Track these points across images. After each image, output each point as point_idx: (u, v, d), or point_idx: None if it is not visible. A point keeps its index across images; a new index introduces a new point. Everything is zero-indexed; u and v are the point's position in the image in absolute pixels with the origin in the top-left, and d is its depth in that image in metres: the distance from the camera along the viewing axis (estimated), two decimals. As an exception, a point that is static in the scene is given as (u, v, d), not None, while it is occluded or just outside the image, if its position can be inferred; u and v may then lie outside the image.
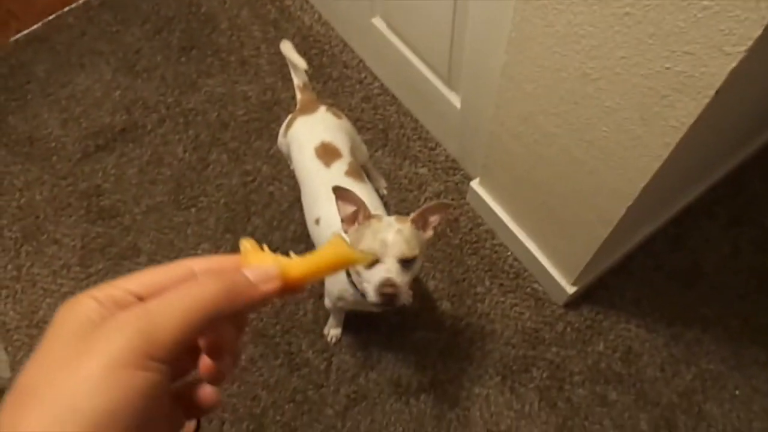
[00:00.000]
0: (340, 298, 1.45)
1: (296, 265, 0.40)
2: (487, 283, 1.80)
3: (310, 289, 1.81)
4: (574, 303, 1.76)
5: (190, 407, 0.37)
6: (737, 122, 1.38)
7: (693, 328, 1.72)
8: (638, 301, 1.76)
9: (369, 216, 1.20)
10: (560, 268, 1.66)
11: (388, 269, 1.13)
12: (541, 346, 1.71)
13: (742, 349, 1.70)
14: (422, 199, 1.93)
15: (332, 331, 1.74)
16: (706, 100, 0.89)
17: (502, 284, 1.79)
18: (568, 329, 1.73)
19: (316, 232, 1.45)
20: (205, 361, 0.37)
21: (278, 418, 1.64)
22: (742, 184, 1.91)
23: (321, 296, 1.79)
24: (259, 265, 0.38)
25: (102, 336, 0.30)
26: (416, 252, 1.16)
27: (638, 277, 1.79)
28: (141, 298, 0.34)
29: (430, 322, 1.75)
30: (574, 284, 1.66)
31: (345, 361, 1.72)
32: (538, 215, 1.59)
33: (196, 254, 1.87)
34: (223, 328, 0.37)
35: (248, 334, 1.75)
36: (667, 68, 0.91)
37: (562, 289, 1.68)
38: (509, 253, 1.83)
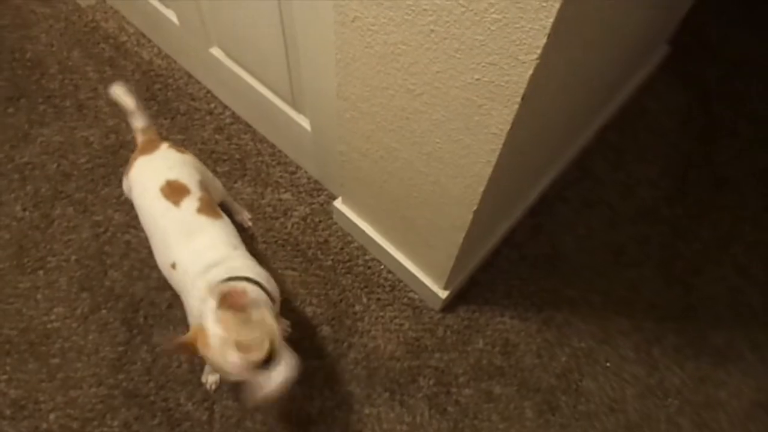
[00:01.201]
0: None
1: None
2: (365, 299, 1.78)
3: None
4: (450, 306, 1.78)
5: None
6: (569, 113, 1.45)
7: (561, 310, 1.80)
8: (509, 293, 1.81)
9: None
10: (430, 274, 1.67)
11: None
12: (424, 354, 1.72)
13: (607, 323, 1.79)
14: (289, 225, 1.87)
15: (210, 378, 1.64)
16: (516, 106, 0.91)
17: (379, 298, 1.78)
18: (448, 332, 1.75)
19: (175, 278, 1.35)
20: None
21: (163, 481, 1.52)
22: (586, 168, 2.03)
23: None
24: None
25: None
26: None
27: (505, 270, 1.84)
28: None
29: (311, 350, 1.70)
30: (445, 288, 1.68)
31: (228, 406, 1.63)
32: (400, 226, 1.59)
33: (49, 320, 1.70)
34: None
35: (118, 397, 1.61)
36: (477, 79, 0.93)
37: (436, 295, 1.69)
38: (382, 267, 1.82)
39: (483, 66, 0.90)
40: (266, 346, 1.08)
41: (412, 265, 1.70)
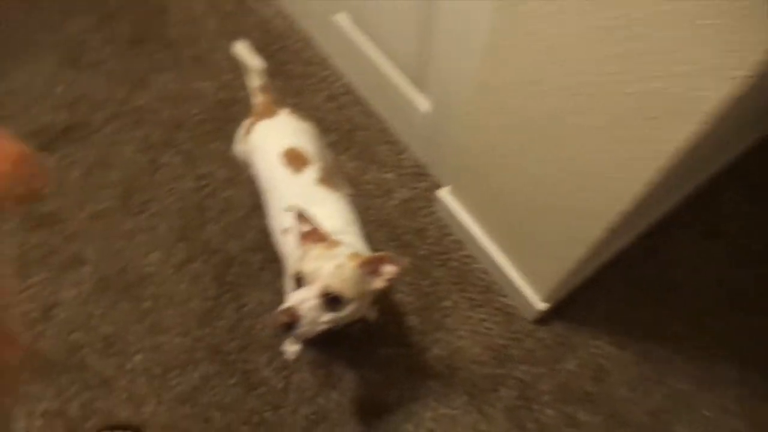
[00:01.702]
0: None
1: None
2: (456, 296, 1.71)
3: (269, 302, 1.70)
4: (544, 319, 1.68)
5: None
6: (722, 136, 1.31)
7: (664, 345, 1.67)
8: (610, 316, 1.70)
9: (323, 238, 1.13)
10: (532, 284, 1.58)
11: (301, 297, 1.05)
12: (510, 364, 1.64)
13: (712, 366, 1.65)
14: (388, 207, 1.82)
15: (291, 348, 1.62)
16: (703, 126, 0.81)
17: (471, 298, 1.71)
18: (539, 346, 1.66)
19: (283, 243, 1.33)
20: None
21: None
22: (716, 195, 1.86)
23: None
24: None
25: None
26: (348, 293, 1.07)
27: (610, 291, 1.72)
28: None
29: (396, 338, 1.66)
30: (545, 301, 1.58)
31: (305, 379, 1.61)
32: (511, 229, 1.51)
33: (145, 263, 1.73)
34: None
35: (201, 351, 1.63)
36: (659, 88, 0.83)
37: (533, 305, 1.60)
38: (478, 266, 1.75)
39: (671, 75, 0.80)
40: (350, 293, 1.07)
41: (513, 271, 1.62)
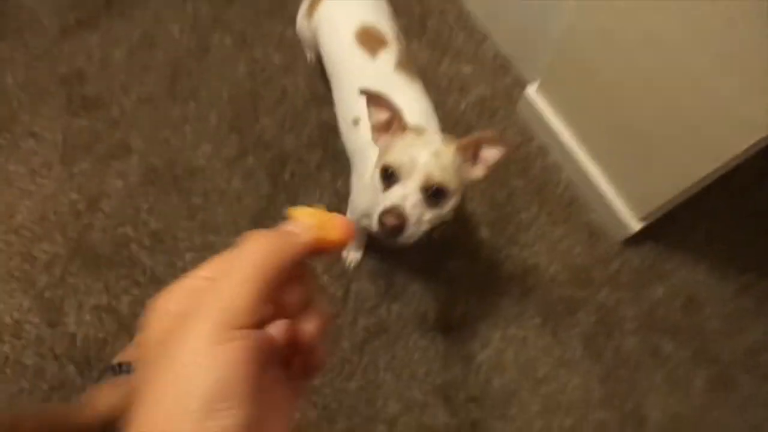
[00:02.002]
0: (365, 215, 1.20)
1: (338, 218, 0.38)
2: (534, 209, 1.54)
3: (327, 204, 1.56)
4: (634, 239, 1.50)
5: (303, 371, 0.36)
6: None
7: (769, 276, 1.48)
8: (710, 241, 1.51)
9: (405, 127, 0.97)
10: (629, 199, 1.39)
11: (404, 194, 0.91)
12: (592, 287, 1.48)
13: (822, 303, 1.46)
14: (463, 105, 1.61)
15: (352, 254, 1.50)
16: None
17: (551, 212, 1.53)
18: (625, 269, 1.49)
19: (353, 136, 1.18)
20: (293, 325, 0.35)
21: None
22: None
23: (341, 210, 1.54)
24: (297, 218, 0.37)
25: (187, 325, 0.30)
26: (451, 183, 0.93)
27: (713, 214, 1.52)
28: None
29: (465, 251, 1.51)
30: (642, 219, 1.39)
31: (365, 289, 1.50)
32: (613, 136, 1.29)
33: (194, 155, 1.60)
34: (291, 289, 0.36)
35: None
36: None
37: (626, 224, 1.42)
38: (563, 176, 1.55)
39: None
40: (452, 184, 0.93)
41: (606, 183, 1.42)
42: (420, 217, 0.93)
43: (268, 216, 1.55)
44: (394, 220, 0.90)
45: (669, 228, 1.50)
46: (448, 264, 1.51)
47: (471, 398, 1.41)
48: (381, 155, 0.97)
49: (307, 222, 0.37)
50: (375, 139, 1.02)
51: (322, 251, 0.37)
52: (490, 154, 0.97)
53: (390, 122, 0.99)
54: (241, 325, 0.30)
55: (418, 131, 0.97)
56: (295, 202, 1.54)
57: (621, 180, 1.38)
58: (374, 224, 0.94)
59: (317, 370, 0.37)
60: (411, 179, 0.91)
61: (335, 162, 1.58)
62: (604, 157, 1.39)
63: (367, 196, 1.13)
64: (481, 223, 1.53)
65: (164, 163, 1.60)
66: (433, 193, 0.93)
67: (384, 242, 0.97)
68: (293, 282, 0.35)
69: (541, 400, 1.41)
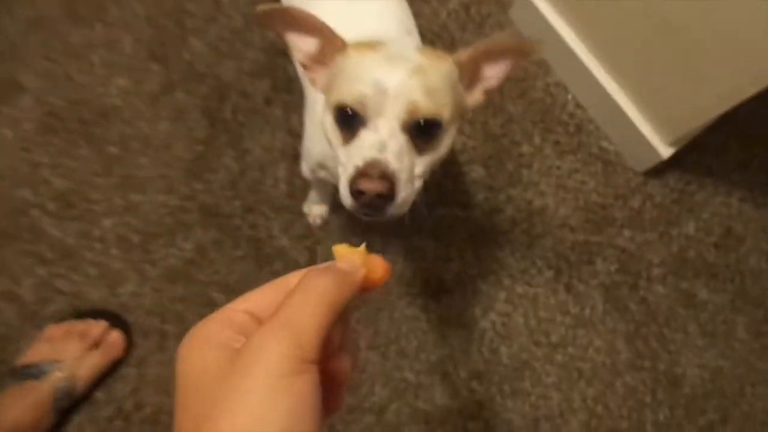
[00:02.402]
0: (321, 166, 0.90)
1: (379, 258, 0.38)
2: (537, 139, 1.27)
3: (281, 148, 1.25)
4: (657, 170, 1.25)
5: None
6: None
7: (816, 203, 1.26)
8: (745, 165, 1.28)
9: (343, 46, 0.67)
10: (655, 121, 1.13)
11: (379, 141, 0.62)
12: (610, 229, 1.24)
13: None
14: (443, 14, 1.31)
15: (315, 209, 1.21)
16: None
17: (558, 141, 1.27)
18: (648, 205, 1.25)
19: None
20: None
21: (244, 330, 1.16)
22: None
23: (295, 157, 1.24)
24: (344, 256, 0.38)
25: (253, 356, 0.31)
26: (442, 110, 0.64)
27: (747, 134, 1.28)
28: (256, 317, 0.35)
29: (455, 195, 1.24)
30: (672, 145, 1.14)
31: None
32: (639, 42, 1.02)
33: (106, 93, 1.25)
34: (335, 328, 0.35)
35: (193, 213, 1.21)
36: None
37: (652, 151, 1.16)
38: (569, 97, 1.28)
39: None
40: (444, 112, 0.65)
41: (628, 102, 1.16)
42: (411, 170, 0.64)
43: (207, 167, 1.23)
44: (378, 184, 0.60)
45: (696, 153, 1.26)
46: (435, 213, 1.23)
47: (474, 374, 1.16)
48: (328, 96, 0.68)
49: (355, 261, 0.37)
50: (312, 82, 0.71)
51: (366, 291, 0.37)
52: (494, 71, 0.68)
53: (323, 49, 0.68)
54: (309, 358, 0.31)
55: (374, 45, 0.66)
56: (239, 145, 1.23)
57: (646, 97, 1.12)
58: (345, 197, 0.64)
59: (335, 412, 0.37)
60: (384, 115, 0.62)
61: (288, 93, 1.27)
62: (625, 70, 1.12)
63: (323, 141, 0.83)
64: (473, 160, 1.25)
65: (67, 104, 1.25)
66: (422, 130, 0.63)
67: (363, 220, 0.67)
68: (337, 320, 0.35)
69: (557, 370, 1.18)
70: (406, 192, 0.63)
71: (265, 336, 0.32)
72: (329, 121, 0.68)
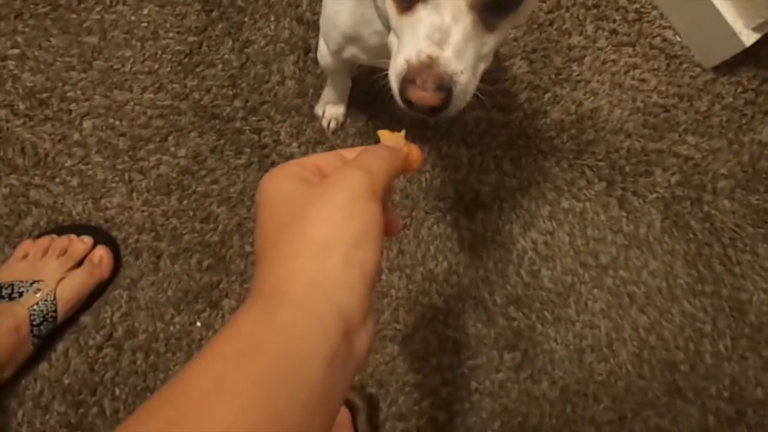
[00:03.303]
0: (351, 40, 0.74)
1: (415, 146, 0.44)
2: (590, 29, 1.10)
3: (288, 38, 1.08)
4: (728, 65, 1.08)
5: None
6: None
7: None
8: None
9: None
10: (735, 3, 0.95)
11: (439, 26, 0.50)
12: (672, 135, 1.09)
13: None
14: None
15: (330, 110, 1.05)
16: None
17: (614, 31, 1.10)
18: (717, 107, 1.10)
19: None
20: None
21: (248, 248, 1.03)
22: None
23: (305, 50, 1.07)
24: (388, 139, 0.44)
25: (334, 182, 0.38)
26: None
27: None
28: (323, 171, 0.41)
29: (492, 96, 1.08)
30: (757, 29, 0.96)
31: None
32: None
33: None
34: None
35: (187, 114, 1.06)
36: None
37: (730, 37, 1.00)
38: (629, -23, 1.10)
39: None
40: None
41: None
42: (475, 64, 0.52)
43: (202, 61, 1.08)
44: (431, 96, 0.50)
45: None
46: (469, 116, 1.08)
47: (512, 300, 1.04)
48: None
49: (399, 143, 0.43)
50: None
51: (404, 171, 0.44)
52: None
53: None
54: (378, 193, 0.38)
55: None
56: (238, 36, 1.07)
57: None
58: (395, 92, 0.53)
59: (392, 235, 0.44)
60: None
61: (295, -27, 1.09)
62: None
63: (350, 8, 0.67)
64: (513, 53, 1.09)
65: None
66: (496, 4, 0.50)
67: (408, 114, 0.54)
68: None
69: (606, 295, 1.05)
70: (465, 93, 0.51)
71: (345, 169, 0.38)
72: None
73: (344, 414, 0.93)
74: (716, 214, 1.07)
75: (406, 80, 0.50)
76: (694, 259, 1.06)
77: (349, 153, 0.43)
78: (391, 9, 0.54)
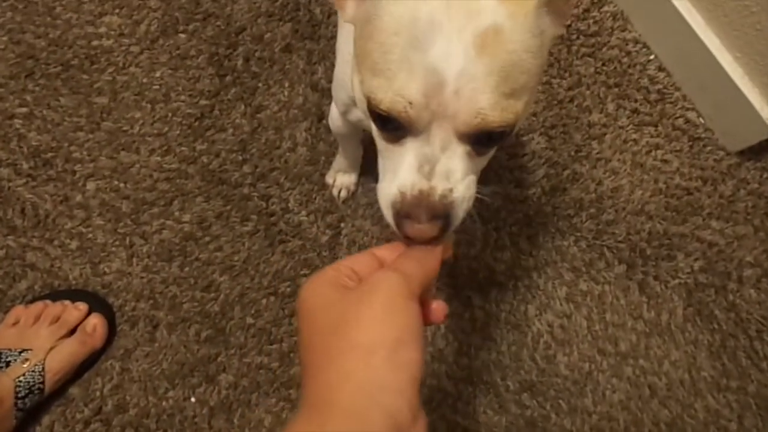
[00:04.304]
0: (355, 105, 0.73)
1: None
2: (611, 107, 1.10)
3: (301, 105, 1.08)
4: (752, 149, 1.08)
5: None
6: None
7: None
8: None
9: None
10: (763, 87, 0.95)
11: (429, 156, 0.49)
12: (696, 218, 1.07)
13: None
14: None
15: (341, 179, 1.05)
16: None
17: (636, 110, 1.10)
18: (742, 192, 1.08)
19: None
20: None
21: (250, 320, 1.00)
22: None
23: (319, 117, 1.07)
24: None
25: (372, 287, 0.40)
26: (519, 113, 0.48)
27: None
28: (358, 275, 0.44)
29: (510, 171, 1.07)
30: (783, 114, 0.96)
31: (362, 228, 1.05)
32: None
33: (94, 32, 1.08)
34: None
35: (194, 179, 1.04)
36: None
37: (755, 123, 0.99)
38: (652, 57, 1.10)
39: None
40: (519, 106, 0.48)
41: (729, 59, 0.97)
42: (469, 184, 0.52)
43: (213, 125, 1.07)
44: (427, 228, 0.48)
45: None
46: (483, 191, 1.06)
47: (525, 386, 1.00)
48: (359, 59, 0.51)
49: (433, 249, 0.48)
50: (340, 7, 0.54)
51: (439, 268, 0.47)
52: None
53: None
54: (416, 294, 0.41)
55: None
56: (251, 101, 1.07)
57: (758, 52, 0.93)
58: (388, 216, 0.52)
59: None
60: (438, 121, 0.47)
61: (312, 41, 1.10)
62: (730, 18, 0.94)
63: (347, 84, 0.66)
64: (533, 129, 1.08)
65: (47, 44, 1.09)
66: (487, 137, 0.49)
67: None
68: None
69: (626, 385, 1.02)
70: (462, 208, 0.51)
71: (381, 273, 0.41)
72: (361, 99, 0.51)
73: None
74: (742, 303, 1.04)
75: (401, 216, 0.49)
76: (718, 350, 1.03)
77: (382, 251, 0.47)
78: (378, 137, 0.53)
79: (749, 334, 1.04)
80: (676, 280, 1.04)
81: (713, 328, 1.03)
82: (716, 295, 1.04)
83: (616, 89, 1.10)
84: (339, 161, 1.03)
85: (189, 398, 0.98)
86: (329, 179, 1.05)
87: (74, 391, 0.97)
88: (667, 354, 1.02)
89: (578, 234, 1.05)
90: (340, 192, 1.05)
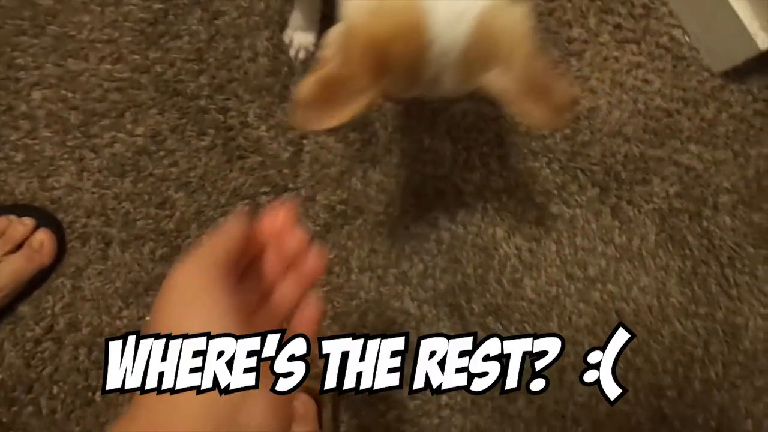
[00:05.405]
0: None
1: None
2: (593, 21, 1.06)
3: (263, 11, 1.03)
4: (738, 71, 1.04)
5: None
6: None
7: None
8: None
9: None
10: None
11: None
12: (674, 141, 1.05)
13: None
14: None
15: (298, 38, 1.03)
16: None
17: (618, 26, 1.06)
18: (723, 116, 1.06)
19: None
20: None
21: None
22: None
23: (282, 24, 1.02)
24: None
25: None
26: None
27: None
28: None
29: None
30: (773, 30, 0.92)
31: (326, 145, 1.02)
32: None
33: None
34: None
35: (147, 89, 1.00)
36: None
37: (744, 40, 0.96)
38: (637, -32, 1.05)
39: None
40: None
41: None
42: None
43: (168, 31, 1.02)
44: None
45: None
46: (456, 107, 1.03)
47: (491, 309, 1.00)
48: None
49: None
50: None
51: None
52: None
53: None
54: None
55: None
56: (209, 5, 1.01)
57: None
58: None
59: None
60: None
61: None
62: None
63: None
64: (508, 43, 1.03)
65: None
66: None
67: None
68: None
69: (592, 310, 1.02)
70: None
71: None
72: None
73: (310, 406, 0.90)
74: (715, 230, 1.04)
75: None
76: (689, 277, 1.03)
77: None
78: None
79: (721, 261, 1.03)
80: (650, 205, 1.03)
81: (685, 254, 1.03)
82: (690, 221, 1.04)
83: (600, 2, 1.05)
84: (296, 17, 0.98)
85: (144, 317, 0.97)
86: (286, 38, 1.01)
87: (24, 309, 0.95)
88: (637, 279, 1.02)
89: (551, 155, 1.03)
90: (298, 53, 1.01)
